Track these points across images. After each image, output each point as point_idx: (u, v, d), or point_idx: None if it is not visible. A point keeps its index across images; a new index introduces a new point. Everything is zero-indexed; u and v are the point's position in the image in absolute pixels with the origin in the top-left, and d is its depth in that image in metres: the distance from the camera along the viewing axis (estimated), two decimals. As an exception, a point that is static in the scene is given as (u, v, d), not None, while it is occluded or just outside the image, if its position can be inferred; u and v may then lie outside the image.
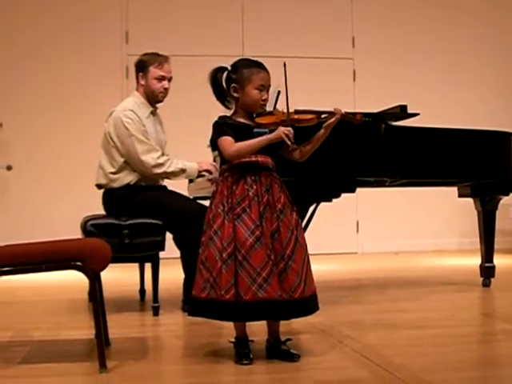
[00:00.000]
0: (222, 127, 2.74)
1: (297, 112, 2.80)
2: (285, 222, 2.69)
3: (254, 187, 2.69)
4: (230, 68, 2.81)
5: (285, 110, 2.75)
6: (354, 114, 2.95)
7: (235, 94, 2.78)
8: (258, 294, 2.58)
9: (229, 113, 2.84)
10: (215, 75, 2.82)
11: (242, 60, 2.85)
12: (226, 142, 2.72)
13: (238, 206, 2.67)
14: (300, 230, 2.76)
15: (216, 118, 2.79)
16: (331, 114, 2.81)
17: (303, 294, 2.66)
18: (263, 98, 2.77)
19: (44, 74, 7.67)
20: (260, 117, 2.79)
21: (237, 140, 2.71)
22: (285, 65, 2.70)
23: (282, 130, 2.66)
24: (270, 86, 2.79)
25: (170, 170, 4.00)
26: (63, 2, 7.82)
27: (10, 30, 7.63)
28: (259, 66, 2.79)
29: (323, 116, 2.82)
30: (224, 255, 2.62)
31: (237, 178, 2.72)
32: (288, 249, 2.67)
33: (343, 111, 2.83)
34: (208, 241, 2.69)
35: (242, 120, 2.78)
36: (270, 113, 2.82)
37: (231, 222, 2.66)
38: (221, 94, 2.82)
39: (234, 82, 2.77)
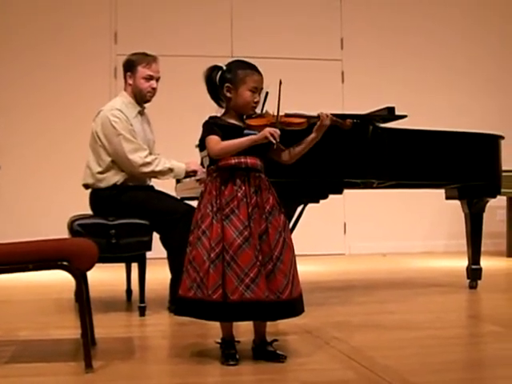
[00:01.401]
0: (211, 127, 2.75)
1: (287, 115, 2.80)
2: (273, 224, 2.70)
3: (243, 188, 2.69)
4: (224, 68, 2.81)
5: (275, 113, 2.75)
6: (345, 118, 2.94)
7: (228, 94, 2.78)
8: (246, 295, 2.58)
9: (219, 113, 2.84)
10: (210, 74, 2.82)
11: (237, 61, 2.86)
12: (213, 140, 2.72)
13: (226, 207, 2.67)
14: (287, 232, 2.76)
15: (206, 118, 2.79)
16: (318, 118, 2.82)
17: (290, 296, 2.67)
18: (255, 100, 2.77)
19: (32, 73, 7.64)
20: (250, 119, 2.79)
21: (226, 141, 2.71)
22: (280, 82, 2.69)
23: (267, 130, 2.67)
24: (262, 88, 2.79)
25: (157, 169, 3.99)
26: (52, 2, 7.80)
27: (-3, 30, 7.61)
28: (253, 68, 2.80)
29: (313, 120, 2.82)
30: (212, 255, 2.62)
31: (226, 178, 2.71)
32: (276, 250, 2.67)
33: (329, 114, 2.83)
34: (196, 241, 2.69)
35: (232, 121, 2.79)
36: (261, 115, 2.82)
37: (220, 222, 2.65)
38: (215, 93, 2.82)
39: (228, 81, 2.77)
